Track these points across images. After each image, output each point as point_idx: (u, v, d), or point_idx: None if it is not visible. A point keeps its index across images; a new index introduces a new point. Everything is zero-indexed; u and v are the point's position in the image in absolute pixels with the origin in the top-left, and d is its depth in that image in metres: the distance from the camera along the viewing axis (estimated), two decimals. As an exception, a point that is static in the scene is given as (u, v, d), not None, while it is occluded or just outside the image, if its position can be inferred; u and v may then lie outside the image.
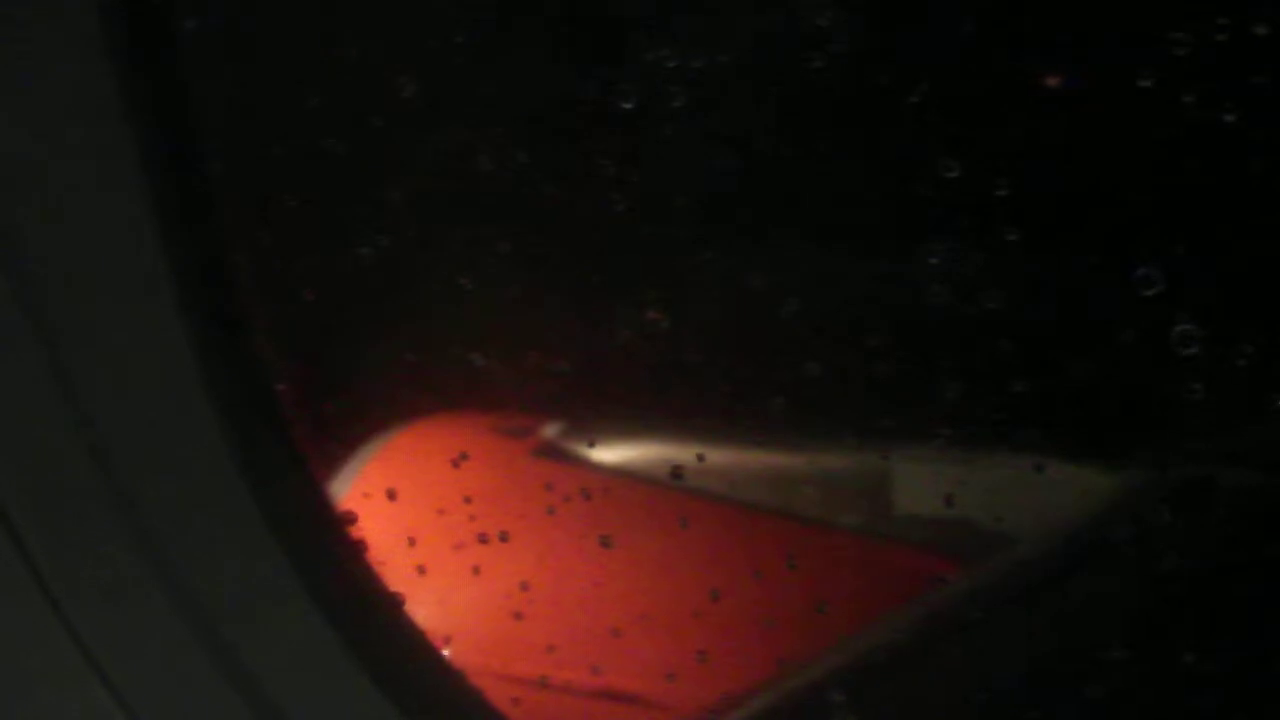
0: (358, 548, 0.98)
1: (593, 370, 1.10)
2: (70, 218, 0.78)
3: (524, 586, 1.13)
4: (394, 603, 0.98)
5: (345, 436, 1.18)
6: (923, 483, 1.07)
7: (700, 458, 1.10)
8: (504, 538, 1.10)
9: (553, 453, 1.19)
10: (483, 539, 1.11)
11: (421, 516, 1.14)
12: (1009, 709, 1.04)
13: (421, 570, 1.09)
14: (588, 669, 1.17)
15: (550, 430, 1.19)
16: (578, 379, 1.10)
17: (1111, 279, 0.93)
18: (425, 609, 1.00)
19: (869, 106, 0.93)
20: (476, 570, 1.14)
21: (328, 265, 1.08)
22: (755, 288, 1.01)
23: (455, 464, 1.14)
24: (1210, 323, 0.91)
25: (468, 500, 1.13)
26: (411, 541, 1.10)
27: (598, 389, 1.12)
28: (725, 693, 1.14)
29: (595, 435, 1.17)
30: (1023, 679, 1.05)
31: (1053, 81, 0.85)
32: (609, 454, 1.17)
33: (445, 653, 1.03)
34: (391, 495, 1.10)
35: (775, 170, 0.98)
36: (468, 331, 1.09)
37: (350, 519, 0.98)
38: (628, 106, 0.95)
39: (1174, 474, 1.01)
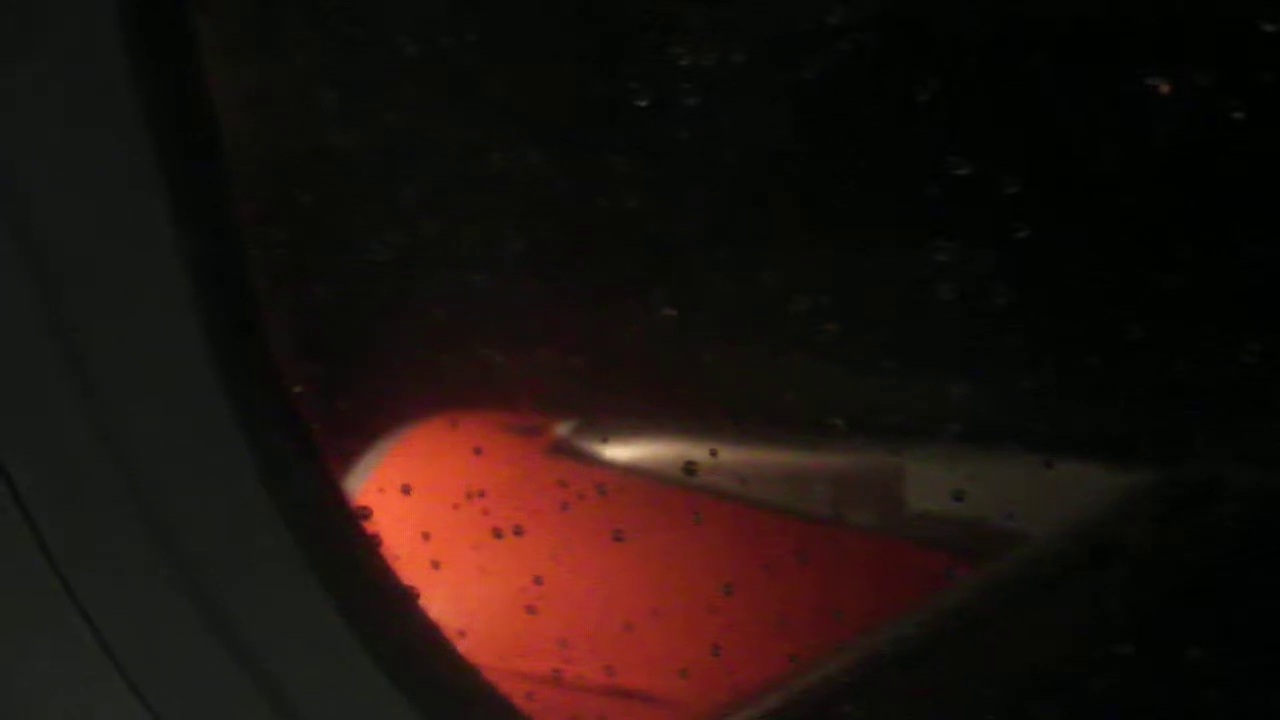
0: (372, 542, 0.98)
1: (606, 367, 1.10)
2: (85, 215, 0.78)
3: (537, 581, 1.13)
4: (408, 597, 0.98)
5: (360, 432, 1.18)
6: (933, 479, 1.07)
7: (713, 454, 1.10)
8: (518, 533, 1.11)
9: (566, 449, 1.19)
10: (497, 534, 1.11)
11: (436, 512, 1.15)
12: (1018, 704, 1.04)
13: (435, 565, 1.10)
14: (600, 664, 1.17)
15: (563, 427, 1.20)
16: (591, 376, 1.11)
17: (1120, 276, 0.93)
18: (439, 603, 1.00)
19: (879, 104, 0.93)
20: (490, 565, 1.14)
21: (342, 262, 1.09)
22: (767, 285, 1.01)
23: (469, 460, 1.15)
24: (1219, 319, 0.92)
25: (482, 496, 1.14)
26: (426, 536, 1.11)
27: (611, 386, 1.13)
28: (737, 689, 1.14)
29: (608, 432, 1.17)
30: (1032, 675, 1.05)
31: (1165, 89, 0.85)
32: (622, 450, 1.18)
33: (459, 647, 1.03)
34: (406, 490, 1.10)
35: (787, 167, 0.98)
36: (481, 329, 1.09)
37: (365, 514, 0.99)
38: (641, 104, 0.95)
39: (1184, 471, 1.01)
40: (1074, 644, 1.04)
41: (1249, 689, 0.95)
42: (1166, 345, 0.92)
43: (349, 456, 1.16)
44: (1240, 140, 0.86)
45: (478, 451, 1.16)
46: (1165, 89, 0.84)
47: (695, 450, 1.12)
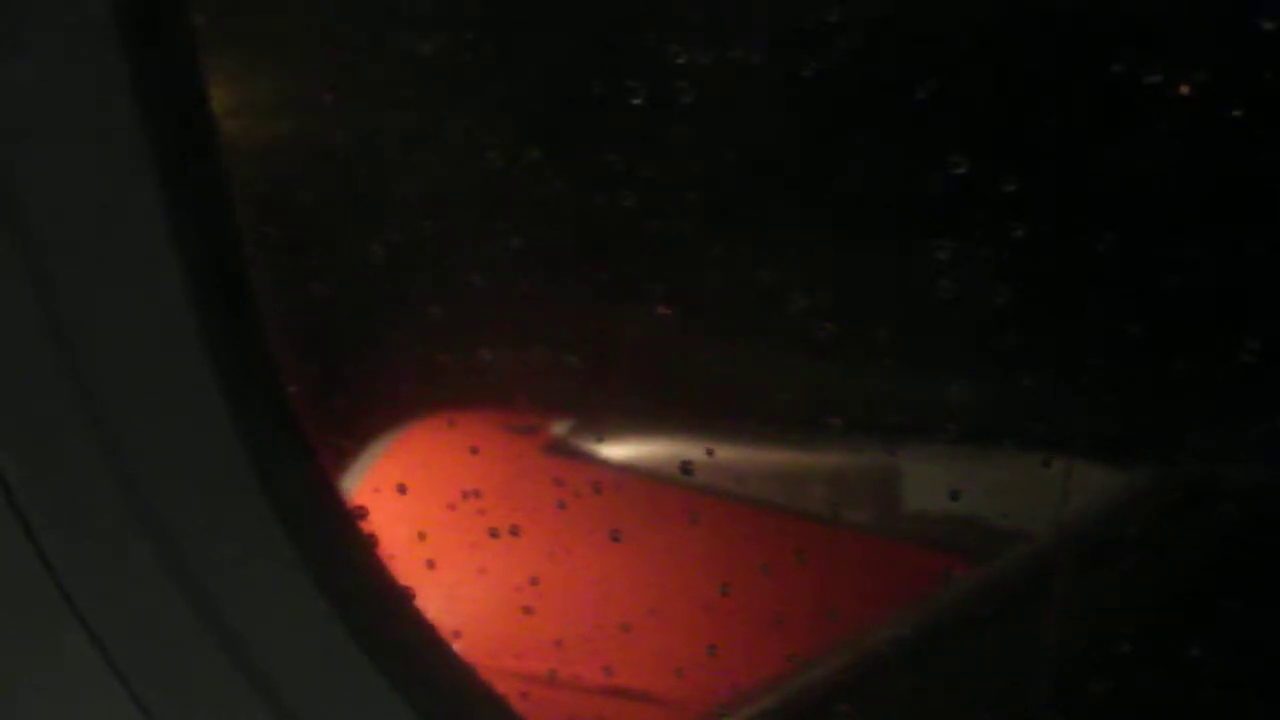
0: (368, 542, 0.98)
1: (602, 366, 1.10)
2: (84, 215, 0.78)
3: (534, 581, 1.13)
4: (404, 596, 0.98)
5: (356, 432, 1.18)
6: (930, 479, 1.08)
7: (709, 453, 1.10)
8: (514, 533, 1.11)
9: (562, 449, 1.19)
10: (493, 534, 1.11)
11: (432, 512, 1.14)
12: (1016, 704, 1.04)
13: (431, 565, 1.10)
14: (597, 664, 1.17)
15: (560, 426, 1.20)
16: (587, 375, 1.10)
17: (1118, 275, 0.93)
18: (435, 603, 1.00)
19: (877, 102, 0.93)
20: (486, 565, 1.14)
21: (339, 261, 1.08)
22: (764, 283, 1.01)
23: (465, 460, 1.15)
24: (1218, 318, 0.92)
25: (478, 495, 1.13)
26: (422, 536, 1.11)
27: (607, 385, 1.13)
28: (734, 689, 1.14)
29: (605, 431, 1.17)
30: (1029, 674, 1.06)
31: (1184, 89, 0.85)
32: (618, 450, 1.18)
33: (455, 647, 1.03)
34: (402, 490, 1.10)
35: (784, 166, 0.98)
36: (478, 328, 1.09)
37: (361, 514, 0.99)
38: (637, 102, 0.95)
39: (1180, 470, 1.02)
40: (1072, 644, 1.04)
41: (1249, 689, 0.95)
42: (1165, 345, 0.93)
43: (345, 456, 1.15)
44: (1239, 139, 0.86)
45: (474, 451, 1.16)
46: (1184, 89, 0.84)
47: (692, 449, 1.12)
